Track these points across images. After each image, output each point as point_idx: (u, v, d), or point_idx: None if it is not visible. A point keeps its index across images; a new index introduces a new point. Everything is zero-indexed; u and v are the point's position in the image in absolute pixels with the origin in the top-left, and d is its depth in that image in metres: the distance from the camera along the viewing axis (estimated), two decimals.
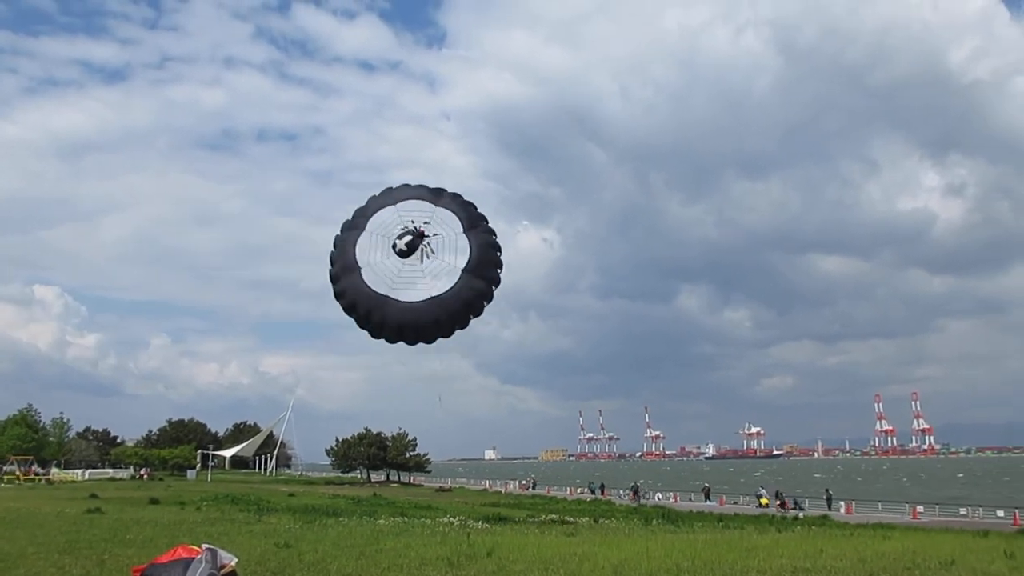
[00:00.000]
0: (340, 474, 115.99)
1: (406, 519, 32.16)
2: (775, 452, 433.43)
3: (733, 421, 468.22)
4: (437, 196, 30.74)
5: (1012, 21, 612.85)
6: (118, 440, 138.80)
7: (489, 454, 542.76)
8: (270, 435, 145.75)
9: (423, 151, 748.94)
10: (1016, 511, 45.18)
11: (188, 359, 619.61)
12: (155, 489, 61.18)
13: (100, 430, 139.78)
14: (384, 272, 29.16)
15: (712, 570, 15.49)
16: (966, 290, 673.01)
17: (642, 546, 19.91)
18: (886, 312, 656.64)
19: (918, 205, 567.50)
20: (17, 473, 78.80)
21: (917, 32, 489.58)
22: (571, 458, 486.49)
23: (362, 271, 28.69)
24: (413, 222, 28.90)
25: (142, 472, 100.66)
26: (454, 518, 33.19)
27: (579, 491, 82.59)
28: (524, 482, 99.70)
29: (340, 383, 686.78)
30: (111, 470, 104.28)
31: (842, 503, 58.25)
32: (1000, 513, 46.41)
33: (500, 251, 30.77)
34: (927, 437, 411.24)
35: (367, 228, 29.19)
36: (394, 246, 28.23)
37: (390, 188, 31.12)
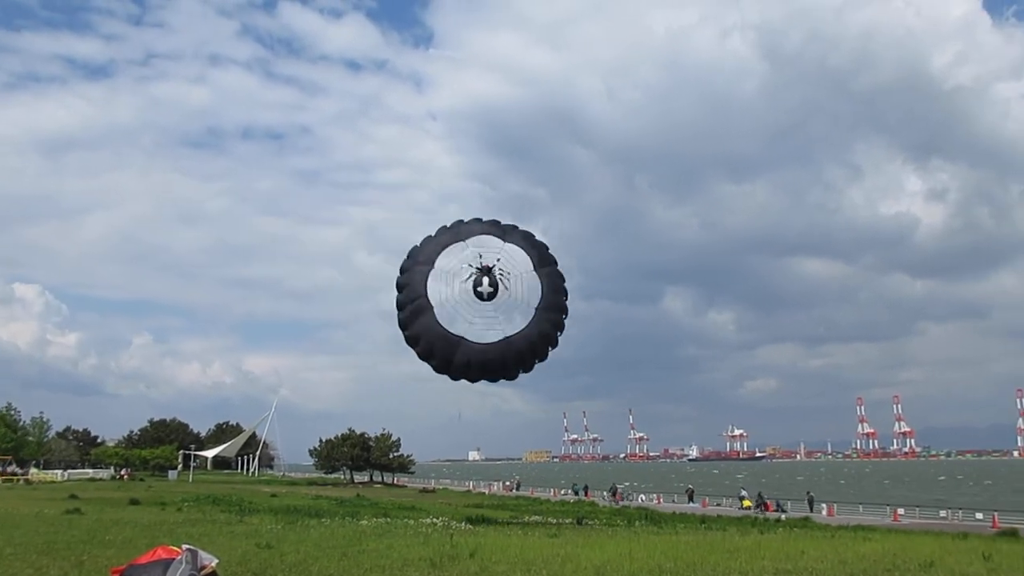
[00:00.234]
0: (323, 475, 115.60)
1: (389, 520, 32.05)
2: (758, 454, 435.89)
3: (716, 423, 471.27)
4: (505, 232, 30.70)
5: (994, 28, 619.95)
6: (98, 440, 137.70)
7: (473, 455, 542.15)
8: (253, 435, 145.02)
9: (409, 151, 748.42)
10: (995, 514, 45.61)
11: (170, 358, 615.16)
12: (136, 490, 60.72)
13: (80, 430, 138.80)
14: (457, 311, 29.17)
15: (694, 571, 15.54)
16: (948, 294, 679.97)
17: (625, 547, 19.96)
18: (869, 315, 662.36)
19: (901, 209, 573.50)
20: None
21: (900, 38, 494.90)
22: (555, 459, 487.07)
23: (435, 310, 28.74)
24: (481, 257, 28.92)
25: (122, 472, 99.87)
26: (437, 519, 33.11)
27: (563, 492, 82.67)
28: (508, 483, 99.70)
29: (324, 383, 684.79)
30: (91, 470, 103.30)
31: (824, 505, 58.58)
32: (979, 516, 46.83)
33: (567, 295, 30.69)
34: (908, 440, 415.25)
35: (437, 264, 29.22)
36: (478, 293, 28.20)
37: (460, 222, 31.09)
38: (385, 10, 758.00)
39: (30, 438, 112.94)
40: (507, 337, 28.90)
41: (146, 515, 32.45)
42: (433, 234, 30.98)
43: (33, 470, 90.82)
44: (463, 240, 30.03)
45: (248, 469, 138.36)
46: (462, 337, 28.38)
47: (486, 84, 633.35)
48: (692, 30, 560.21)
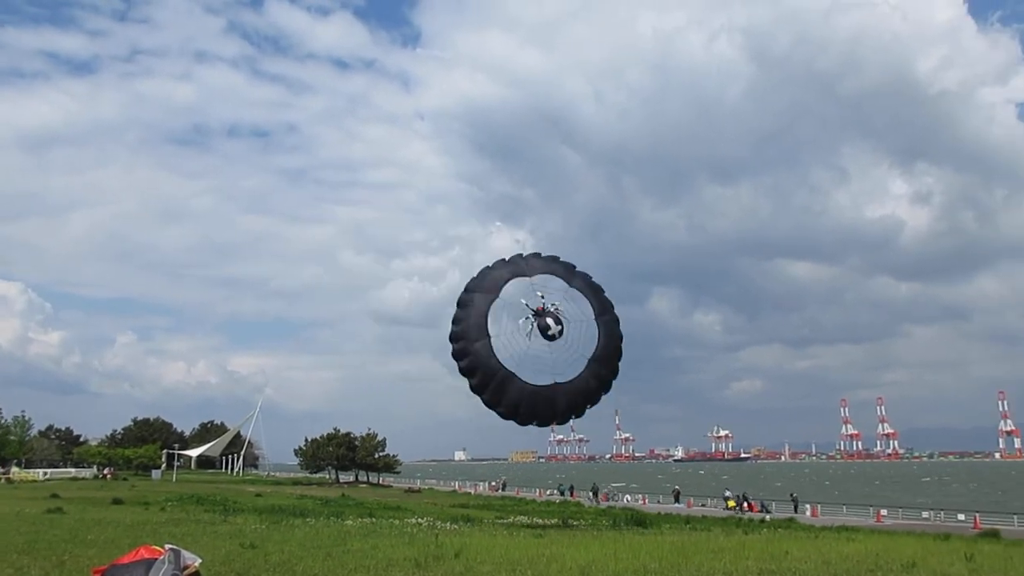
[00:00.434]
0: (308, 474, 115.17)
1: (374, 520, 31.98)
2: (743, 455, 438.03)
3: (702, 424, 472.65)
4: (571, 276, 30.68)
5: (978, 33, 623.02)
6: (81, 439, 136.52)
7: (459, 455, 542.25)
8: (237, 435, 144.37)
9: (397, 151, 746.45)
10: (976, 515, 46.04)
11: (155, 357, 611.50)
12: (119, 489, 60.29)
13: (63, 429, 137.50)
14: (515, 346, 29.18)
15: (679, 571, 15.59)
16: (932, 297, 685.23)
17: (610, 548, 20.00)
18: (854, 317, 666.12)
19: (886, 212, 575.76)
20: None
21: (887, 42, 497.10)
22: (541, 460, 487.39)
23: (492, 340, 28.68)
24: (543, 297, 28.93)
25: (105, 472, 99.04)
26: (422, 519, 33.07)
27: (549, 493, 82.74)
28: (494, 483, 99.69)
29: (309, 383, 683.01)
30: (73, 469, 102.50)
31: (808, 506, 58.93)
32: (961, 517, 47.24)
33: (622, 339, 30.72)
34: (891, 441, 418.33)
35: (501, 295, 29.16)
36: (547, 332, 28.19)
37: (522, 256, 30.98)
38: (373, 9, 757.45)
39: (12, 437, 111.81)
40: (559, 383, 29.21)
41: (129, 515, 32.23)
42: (491, 265, 30.98)
43: (14, 469, 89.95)
44: (529, 276, 30.07)
45: (233, 469, 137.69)
46: (514, 373, 28.49)
47: (474, 84, 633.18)
48: (680, 32, 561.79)
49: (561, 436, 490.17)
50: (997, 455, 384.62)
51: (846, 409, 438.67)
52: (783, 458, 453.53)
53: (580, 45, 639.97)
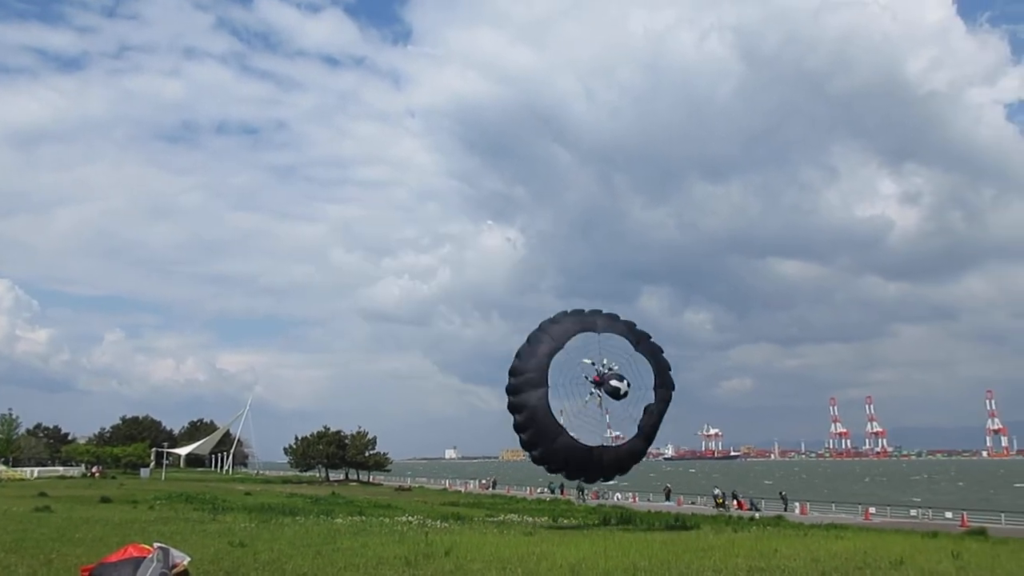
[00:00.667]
0: (298, 473, 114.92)
1: (364, 518, 31.94)
2: (732, 453, 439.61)
3: (692, 422, 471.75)
4: (638, 340, 30.76)
5: (968, 34, 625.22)
6: (69, 437, 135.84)
7: (450, 453, 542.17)
8: (227, 433, 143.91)
9: (387, 148, 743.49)
10: (964, 513, 46.34)
11: (143, 355, 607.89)
12: (107, 487, 60.03)
13: (51, 427, 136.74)
14: (569, 400, 29.53)
15: (668, 569, 15.62)
16: (920, 297, 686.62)
17: (600, 545, 20.04)
18: (843, 317, 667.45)
19: (875, 212, 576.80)
20: None
21: (877, 42, 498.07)
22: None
23: (549, 390, 28.92)
24: (606, 362, 29.15)
25: (94, 470, 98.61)
26: (413, 517, 33.07)
27: (539, 491, 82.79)
28: (484, 481, 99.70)
29: (299, 381, 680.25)
30: (61, 468, 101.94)
31: (797, 504, 59.19)
32: (948, 515, 47.50)
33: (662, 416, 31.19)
34: (880, 440, 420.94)
35: (565, 347, 29.41)
36: (618, 394, 28.54)
37: (596, 311, 31.00)
38: (363, 6, 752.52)
39: None
40: (607, 447, 29.85)
41: (117, 513, 32.10)
42: (553, 316, 31.15)
43: (2, 468, 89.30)
44: (597, 332, 30.28)
45: (222, 467, 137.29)
46: (566, 430, 28.92)
47: (465, 82, 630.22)
48: (670, 31, 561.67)
49: None
50: (984, 453, 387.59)
51: (835, 408, 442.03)
52: (773, 456, 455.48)
53: (571, 43, 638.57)
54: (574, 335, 29.92)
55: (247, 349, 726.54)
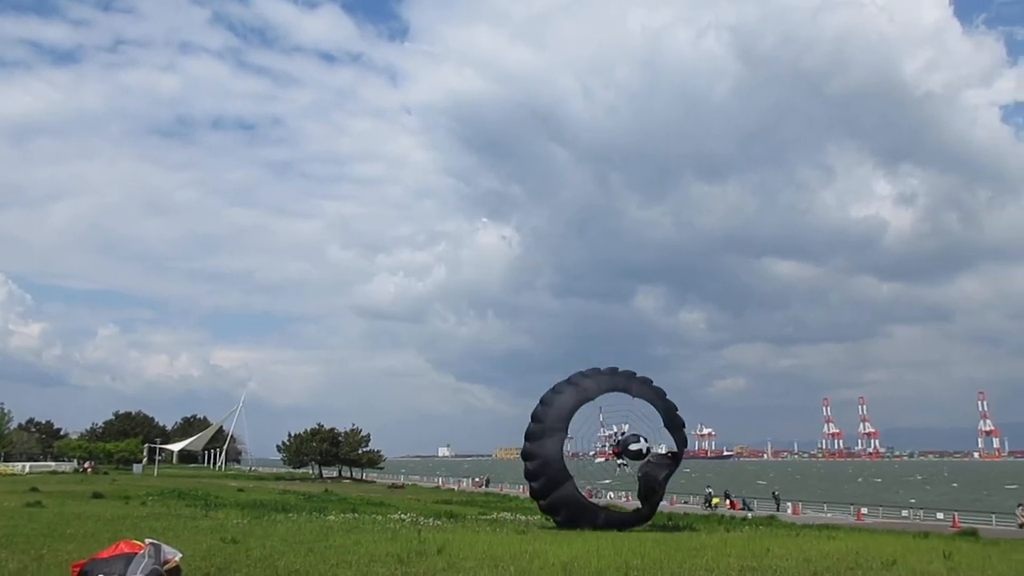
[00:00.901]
0: (291, 470, 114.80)
1: (357, 515, 31.93)
2: (725, 453, 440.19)
3: (685, 422, 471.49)
4: (669, 415, 30.66)
5: (964, 35, 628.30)
6: (62, 432, 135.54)
7: (443, 451, 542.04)
8: (220, 429, 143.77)
9: (384, 145, 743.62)
10: (955, 513, 46.50)
11: (136, 350, 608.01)
12: (99, 483, 59.90)
13: (43, 422, 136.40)
14: (584, 453, 29.83)
15: (661, 568, 15.63)
16: (914, 298, 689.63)
17: (592, 544, 20.04)
18: (837, 317, 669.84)
19: (871, 213, 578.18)
20: None
21: (874, 43, 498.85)
22: None
23: (567, 438, 29.14)
24: (625, 431, 29.54)
25: (86, 465, 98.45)
26: (405, 515, 33.08)
27: None
28: (477, 480, 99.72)
29: (293, 378, 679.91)
30: (53, 463, 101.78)
31: (789, 504, 59.33)
32: (940, 515, 47.67)
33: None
34: (872, 440, 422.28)
35: (596, 400, 29.61)
36: (641, 456, 28.98)
37: (631, 374, 30.95)
38: (361, 2, 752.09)
39: None
40: (611, 512, 30.64)
41: (109, 509, 32.02)
42: (585, 371, 31.26)
43: None
44: (630, 394, 30.59)
45: (215, 463, 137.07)
46: (572, 477, 29.29)
47: (462, 79, 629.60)
48: (668, 30, 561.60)
49: None
50: (976, 455, 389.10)
51: (828, 408, 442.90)
52: (765, 456, 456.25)
53: (569, 41, 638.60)
54: (607, 391, 30.06)
55: (241, 345, 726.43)
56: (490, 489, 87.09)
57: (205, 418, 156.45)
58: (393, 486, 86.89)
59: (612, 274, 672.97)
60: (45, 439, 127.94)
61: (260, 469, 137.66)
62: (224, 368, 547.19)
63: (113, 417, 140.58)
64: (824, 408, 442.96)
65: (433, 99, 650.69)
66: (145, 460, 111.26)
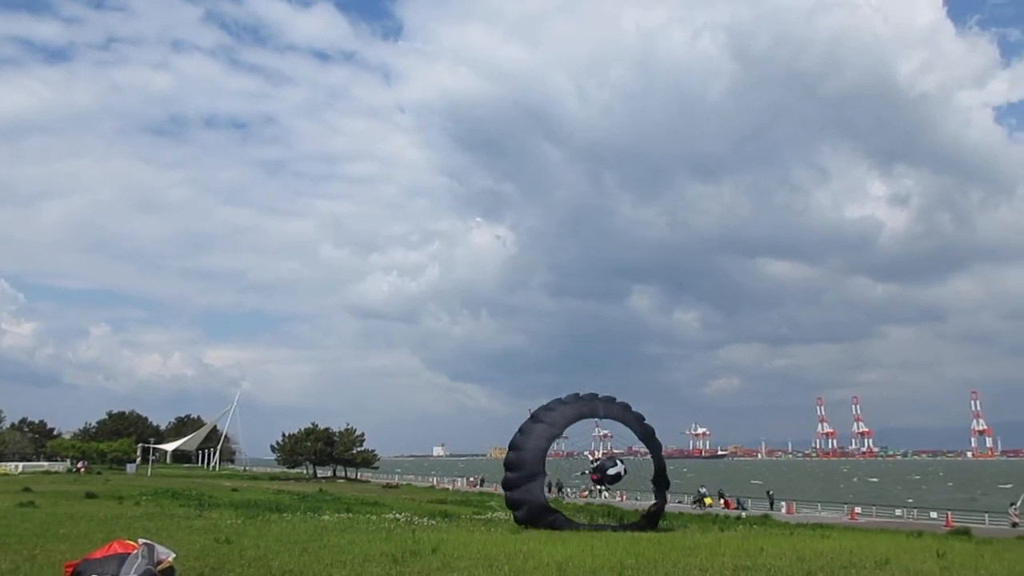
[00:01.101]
0: (286, 470, 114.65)
1: (351, 515, 31.90)
2: (720, 452, 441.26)
3: (680, 421, 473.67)
4: (637, 420, 30.84)
5: (957, 37, 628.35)
6: (54, 432, 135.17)
7: (437, 451, 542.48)
8: (214, 429, 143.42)
9: (377, 144, 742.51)
10: (948, 513, 46.68)
11: (129, 349, 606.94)
12: (92, 483, 59.71)
13: (36, 421, 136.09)
14: (578, 452, 30.50)
15: (655, 567, 15.64)
16: (908, 298, 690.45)
17: (587, 543, 20.05)
18: (831, 317, 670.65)
19: (865, 213, 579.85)
20: None
21: (868, 44, 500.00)
22: None
23: (560, 437, 29.48)
24: (610, 459, 30.16)
25: (79, 465, 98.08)
26: (400, 515, 33.07)
27: None
28: (472, 479, 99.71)
29: (287, 377, 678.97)
30: (46, 463, 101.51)
31: (783, 503, 59.48)
32: (933, 515, 47.86)
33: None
34: (866, 440, 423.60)
35: (564, 433, 30.22)
36: (617, 478, 29.69)
37: (593, 396, 31.17)
38: (354, 1, 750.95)
39: None
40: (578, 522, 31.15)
41: (102, 509, 31.91)
42: (547, 404, 31.39)
43: None
44: (599, 417, 30.99)
45: (209, 463, 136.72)
46: (560, 513, 30.01)
47: (456, 78, 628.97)
48: (663, 30, 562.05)
49: None
50: (969, 454, 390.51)
51: (822, 408, 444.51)
52: (760, 456, 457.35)
53: (563, 40, 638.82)
54: (573, 421, 30.10)
55: (234, 344, 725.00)
56: (484, 488, 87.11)
57: (199, 418, 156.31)
58: (388, 486, 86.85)
59: (606, 274, 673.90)
60: (38, 439, 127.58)
61: (254, 469, 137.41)
62: (217, 367, 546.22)
63: (106, 417, 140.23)
64: (818, 408, 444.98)
65: (427, 98, 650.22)
66: (139, 460, 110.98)
